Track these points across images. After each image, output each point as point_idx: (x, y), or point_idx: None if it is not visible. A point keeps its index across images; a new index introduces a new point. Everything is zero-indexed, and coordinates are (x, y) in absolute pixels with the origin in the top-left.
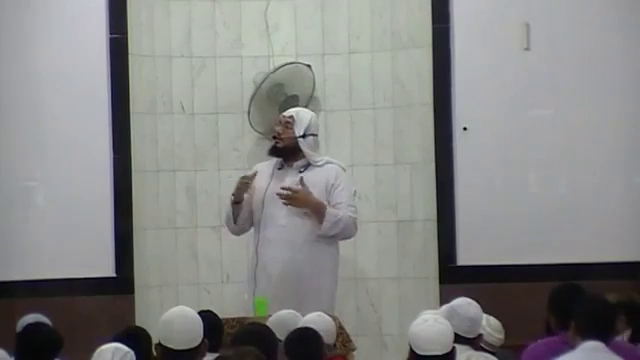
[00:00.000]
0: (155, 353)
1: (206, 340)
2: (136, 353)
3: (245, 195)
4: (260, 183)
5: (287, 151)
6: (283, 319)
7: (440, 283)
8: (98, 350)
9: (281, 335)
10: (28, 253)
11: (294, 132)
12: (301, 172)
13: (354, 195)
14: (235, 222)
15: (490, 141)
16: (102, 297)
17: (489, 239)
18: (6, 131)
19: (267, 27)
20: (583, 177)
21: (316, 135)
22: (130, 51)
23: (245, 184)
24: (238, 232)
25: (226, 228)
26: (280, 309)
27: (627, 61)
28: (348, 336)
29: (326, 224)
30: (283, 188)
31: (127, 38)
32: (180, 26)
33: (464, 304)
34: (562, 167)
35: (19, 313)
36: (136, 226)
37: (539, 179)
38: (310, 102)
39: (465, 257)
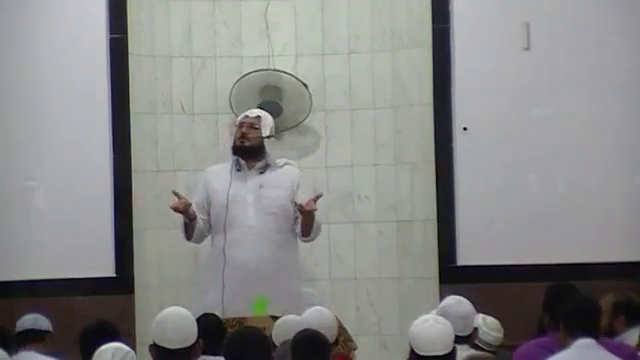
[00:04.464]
0: (150, 354)
1: (200, 340)
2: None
3: (191, 209)
4: (220, 186)
5: (252, 151)
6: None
7: (440, 283)
8: (98, 350)
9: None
10: (28, 253)
11: (261, 132)
12: (262, 173)
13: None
14: (190, 239)
15: (490, 141)
16: (102, 297)
17: (489, 239)
18: (6, 131)
19: (267, 27)
20: (583, 177)
21: (275, 137)
22: (130, 51)
23: (185, 206)
24: (198, 242)
25: None
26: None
27: (627, 61)
28: (349, 335)
29: (315, 232)
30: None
31: (127, 38)
32: (180, 26)
33: (454, 303)
34: (562, 167)
35: (19, 313)
36: (136, 226)
37: (539, 179)
38: (298, 126)
39: (465, 257)
